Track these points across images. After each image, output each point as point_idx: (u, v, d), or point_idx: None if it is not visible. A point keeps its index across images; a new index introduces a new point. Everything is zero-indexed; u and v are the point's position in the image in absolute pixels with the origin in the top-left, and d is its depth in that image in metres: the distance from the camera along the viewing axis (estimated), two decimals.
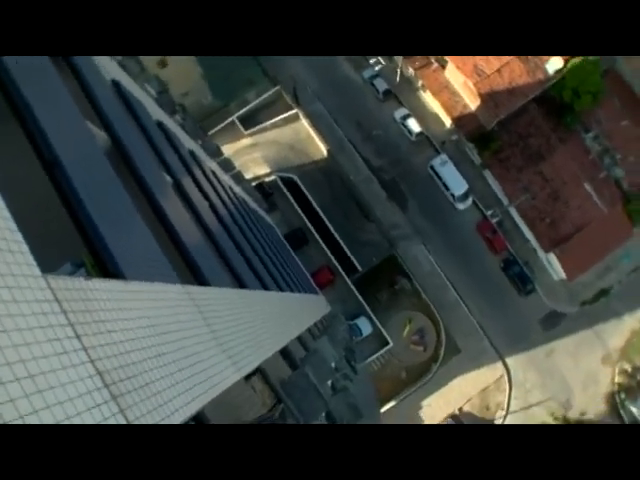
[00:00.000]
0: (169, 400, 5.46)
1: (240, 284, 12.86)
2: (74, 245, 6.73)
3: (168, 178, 14.09)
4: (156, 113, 18.67)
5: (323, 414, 12.17)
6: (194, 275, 9.57)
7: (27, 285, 4.32)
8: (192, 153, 21.35)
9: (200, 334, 7.76)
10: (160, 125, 18.00)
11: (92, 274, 6.20)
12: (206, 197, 18.05)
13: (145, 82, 20.80)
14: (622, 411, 48.71)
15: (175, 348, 6.51)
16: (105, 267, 6.33)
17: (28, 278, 4.42)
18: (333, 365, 18.83)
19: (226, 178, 30.25)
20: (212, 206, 18.07)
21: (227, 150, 46.42)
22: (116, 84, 14.73)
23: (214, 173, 25.05)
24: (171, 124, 20.57)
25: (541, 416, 48.49)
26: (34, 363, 3.83)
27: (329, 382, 15.61)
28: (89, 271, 6.32)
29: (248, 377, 8.81)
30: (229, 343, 8.68)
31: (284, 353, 12.61)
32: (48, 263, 5.10)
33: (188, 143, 22.10)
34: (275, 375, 10.12)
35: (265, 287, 16.08)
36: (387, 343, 47.19)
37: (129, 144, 11.63)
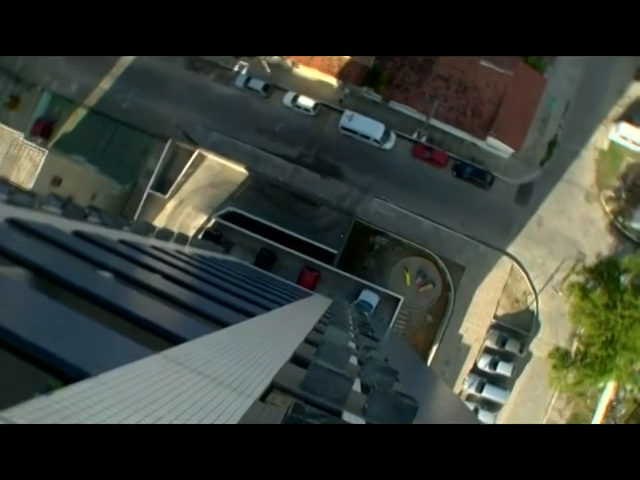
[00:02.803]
0: None
1: (221, 324, 12.86)
2: (39, 378, 6.69)
3: (107, 274, 14.02)
4: (68, 225, 18.55)
5: (358, 389, 12.24)
6: (166, 339, 9.55)
7: None
8: (123, 241, 21.31)
9: (195, 384, 7.74)
10: (78, 233, 17.93)
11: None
12: (154, 270, 18.03)
13: (44, 205, 20.62)
14: (627, 233, 49.63)
15: (172, 407, 6.49)
16: (67, 376, 6.31)
17: None
18: (353, 345, 18.92)
19: (171, 245, 30.15)
20: (165, 275, 18.05)
21: (160, 221, 46.33)
22: (11, 221, 14.66)
23: (155, 247, 24.98)
24: (88, 227, 20.45)
25: (567, 278, 48.91)
26: None
27: (354, 360, 15.70)
28: (58, 388, 6.28)
29: (264, 397, 8.80)
30: (230, 378, 8.66)
31: (296, 360, 12.61)
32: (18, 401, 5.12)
33: (114, 235, 21.97)
34: (293, 382, 10.12)
35: (250, 315, 16.09)
36: (398, 300, 47.33)
37: (49, 265, 11.61)
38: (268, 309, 19.77)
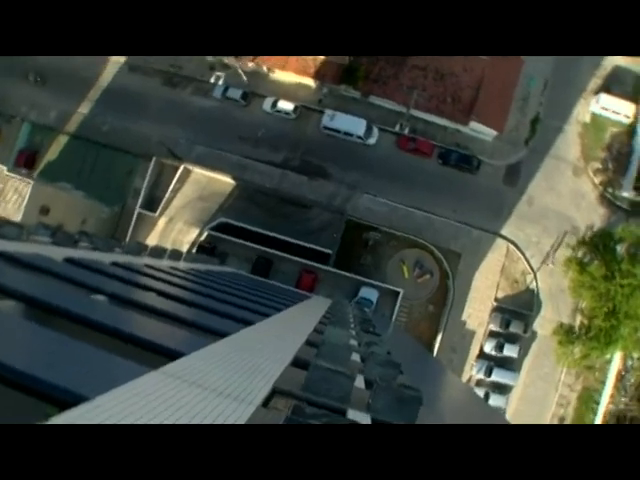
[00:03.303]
0: None
1: (220, 335, 12.82)
2: (38, 407, 6.66)
3: (101, 297, 13.97)
4: (59, 253, 18.49)
5: (362, 385, 12.22)
6: (165, 356, 9.50)
7: None
8: (116, 263, 21.24)
9: (195, 397, 7.69)
10: (69, 260, 17.89)
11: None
12: (149, 289, 17.99)
13: (32, 235, 20.52)
14: (618, 202, 49.79)
15: (172, 421, 6.46)
16: (65, 402, 6.27)
17: None
18: (355, 343, 18.91)
19: (164, 263, 30.07)
20: (160, 292, 18.01)
21: (152, 239, 46.22)
22: None
23: (148, 265, 24.92)
24: (80, 253, 20.39)
25: (564, 254, 48.83)
26: None
27: (357, 357, 15.68)
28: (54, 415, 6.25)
29: (267, 403, 8.77)
30: (230, 387, 8.62)
31: (298, 363, 12.57)
32: None
33: (107, 257, 21.91)
34: (295, 385, 10.09)
35: (249, 323, 16.04)
36: (398, 293, 47.28)
37: (41, 295, 11.56)
38: (267, 315, 19.71)
